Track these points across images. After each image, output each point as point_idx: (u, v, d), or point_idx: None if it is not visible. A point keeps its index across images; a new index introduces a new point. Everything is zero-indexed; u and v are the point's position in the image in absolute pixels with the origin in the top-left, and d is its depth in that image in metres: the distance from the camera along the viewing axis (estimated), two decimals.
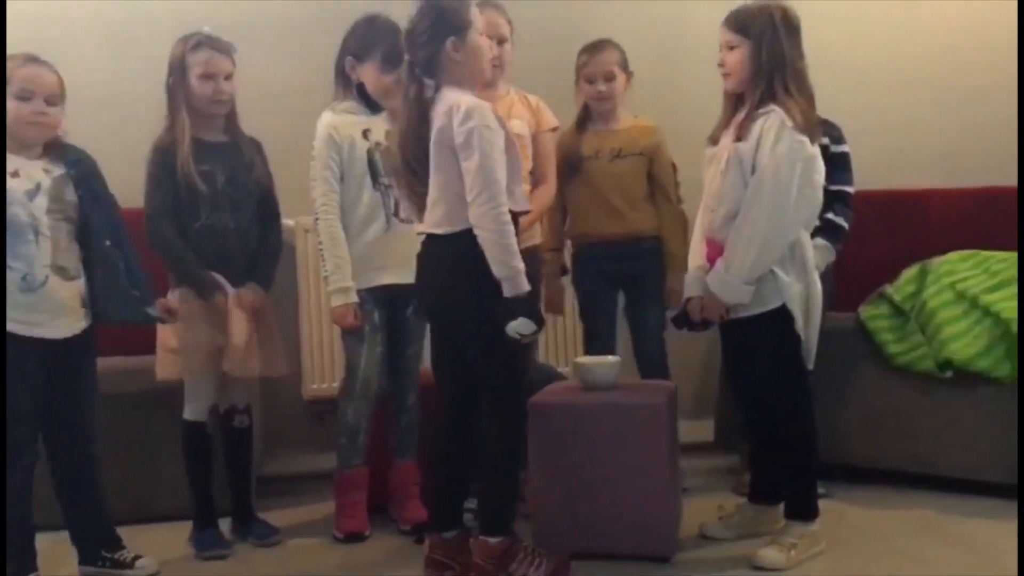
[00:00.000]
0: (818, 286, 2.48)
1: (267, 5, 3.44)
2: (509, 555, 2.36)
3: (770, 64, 2.42)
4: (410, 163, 2.35)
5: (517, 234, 2.28)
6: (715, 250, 2.51)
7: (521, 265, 2.25)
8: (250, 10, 3.39)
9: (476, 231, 2.24)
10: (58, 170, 2.44)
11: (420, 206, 2.37)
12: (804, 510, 2.53)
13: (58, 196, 2.42)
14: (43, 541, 2.46)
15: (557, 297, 3.12)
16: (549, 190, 2.92)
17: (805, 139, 2.38)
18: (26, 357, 2.34)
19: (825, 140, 2.89)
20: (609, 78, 3.01)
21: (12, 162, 2.38)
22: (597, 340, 3.04)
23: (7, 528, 2.34)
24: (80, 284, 2.44)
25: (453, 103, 2.27)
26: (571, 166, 3.04)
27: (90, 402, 2.51)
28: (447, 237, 2.30)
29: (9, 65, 2.38)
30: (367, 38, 2.78)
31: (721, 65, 2.52)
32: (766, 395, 2.53)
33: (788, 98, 2.41)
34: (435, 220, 2.32)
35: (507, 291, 2.24)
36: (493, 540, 2.35)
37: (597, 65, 3.01)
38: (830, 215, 2.84)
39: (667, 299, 3.05)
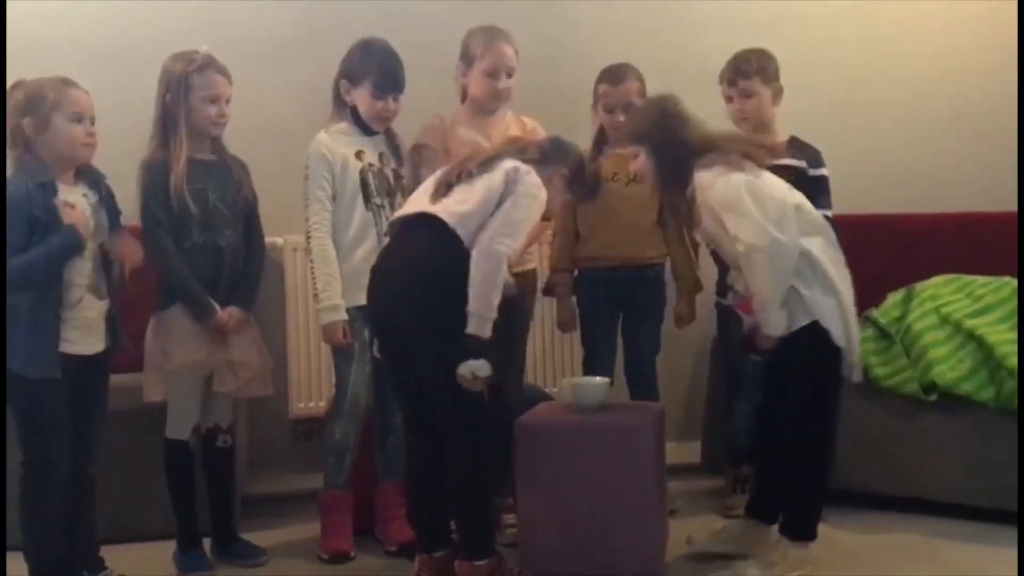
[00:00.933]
0: (851, 299, 2.47)
1: (258, 25, 3.44)
2: None
3: (678, 157, 2.46)
4: (465, 167, 2.40)
5: None
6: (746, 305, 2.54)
7: (495, 314, 2.27)
8: (241, 30, 3.39)
9: (477, 258, 2.26)
10: (94, 196, 2.50)
11: (438, 194, 2.38)
12: (801, 530, 2.52)
13: (98, 222, 2.48)
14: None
15: (568, 317, 3.12)
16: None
17: (729, 174, 2.39)
18: (60, 376, 2.37)
19: (803, 163, 2.93)
20: (628, 108, 3.01)
21: (62, 192, 2.41)
22: (597, 363, 3.03)
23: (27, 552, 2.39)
24: (106, 304, 2.48)
25: (529, 167, 2.39)
26: (589, 188, 3.05)
27: (99, 421, 2.53)
28: (444, 232, 2.30)
29: (48, 87, 2.41)
30: (361, 63, 2.80)
31: (638, 169, 2.58)
32: (796, 413, 2.50)
33: (704, 168, 2.43)
34: (450, 211, 2.32)
35: (472, 327, 2.25)
36: (478, 563, 2.35)
37: (617, 96, 3.01)
38: None
39: (676, 322, 3.09)
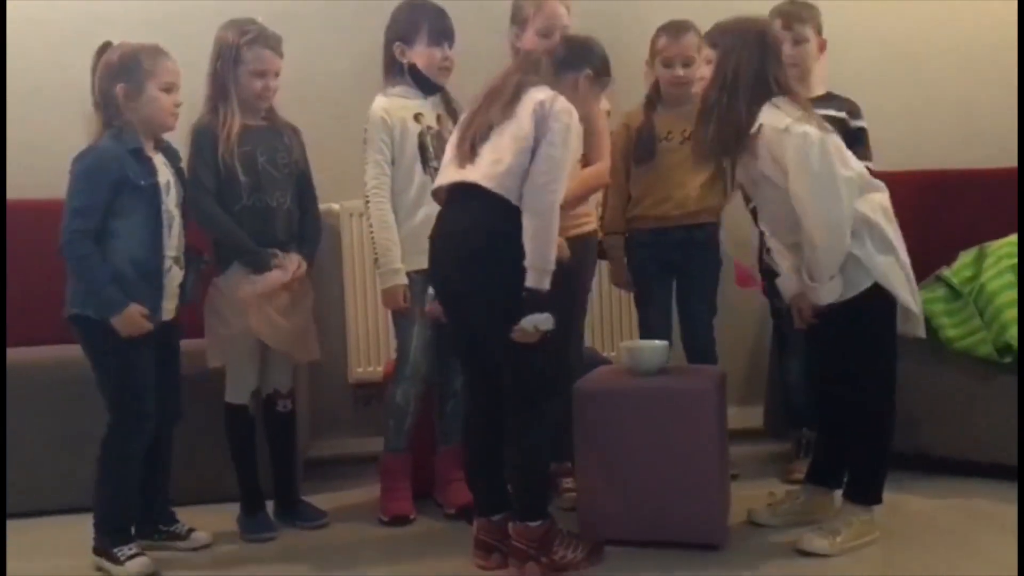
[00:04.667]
0: (905, 254, 2.41)
1: None
2: (549, 538, 2.35)
3: (735, 77, 2.35)
4: (488, 117, 2.32)
5: None
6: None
7: (553, 265, 2.24)
8: None
9: (528, 212, 2.22)
10: (173, 164, 2.58)
11: (466, 156, 2.32)
12: (866, 494, 2.47)
13: (179, 190, 2.57)
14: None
15: (622, 280, 3.08)
16: (604, 165, 2.83)
17: (803, 126, 2.30)
18: (148, 338, 2.47)
19: (843, 114, 2.86)
20: (688, 63, 2.93)
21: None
22: (651, 327, 2.99)
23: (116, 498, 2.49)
24: (183, 272, 2.59)
25: (553, 93, 2.30)
26: (644, 148, 2.98)
27: (177, 381, 2.64)
28: (490, 196, 2.25)
29: (143, 54, 2.48)
30: (411, 20, 2.79)
31: (701, 79, 2.47)
32: (859, 375, 2.44)
33: (772, 100, 2.35)
34: (487, 174, 2.27)
35: (531, 281, 2.22)
36: (533, 524, 2.34)
37: (679, 49, 2.94)
38: None
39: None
